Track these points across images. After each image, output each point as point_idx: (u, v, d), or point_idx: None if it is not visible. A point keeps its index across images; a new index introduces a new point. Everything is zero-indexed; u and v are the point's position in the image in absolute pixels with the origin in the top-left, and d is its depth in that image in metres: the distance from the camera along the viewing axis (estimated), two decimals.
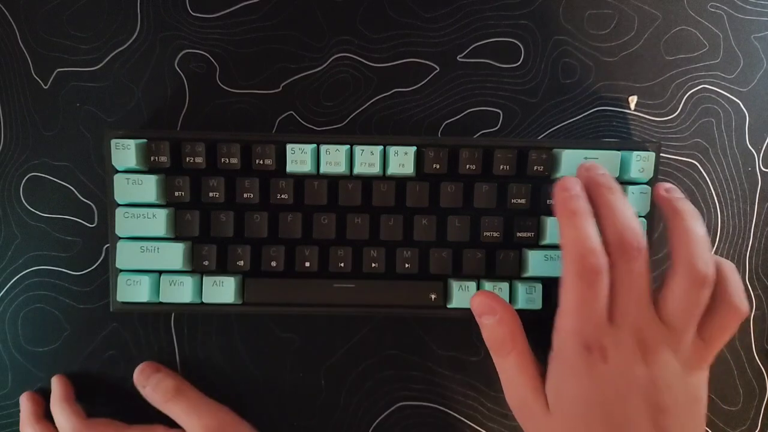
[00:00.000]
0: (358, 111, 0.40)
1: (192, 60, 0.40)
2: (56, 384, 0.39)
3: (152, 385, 0.38)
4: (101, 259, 0.40)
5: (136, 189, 0.36)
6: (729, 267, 0.33)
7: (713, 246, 0.41)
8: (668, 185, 0.34)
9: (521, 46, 0.40)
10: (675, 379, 0.31)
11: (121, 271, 0.37)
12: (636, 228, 0.31)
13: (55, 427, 0.38)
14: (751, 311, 0.41)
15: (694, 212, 0.32)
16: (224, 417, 0.38)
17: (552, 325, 0.33)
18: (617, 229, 0.31)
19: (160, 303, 0.37)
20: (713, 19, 0.40)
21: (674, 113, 0.41)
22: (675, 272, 0.31)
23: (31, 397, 0.39)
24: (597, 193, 0.32)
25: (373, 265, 0.37)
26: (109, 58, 0.39)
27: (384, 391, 0.41)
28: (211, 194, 0.36)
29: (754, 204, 0.41)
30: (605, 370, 0.30)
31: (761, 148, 0.41)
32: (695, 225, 0.31)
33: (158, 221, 0.36)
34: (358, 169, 0.36)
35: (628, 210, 0.32)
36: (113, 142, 0.36)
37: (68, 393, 0.38)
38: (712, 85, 0.41)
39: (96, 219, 0.40)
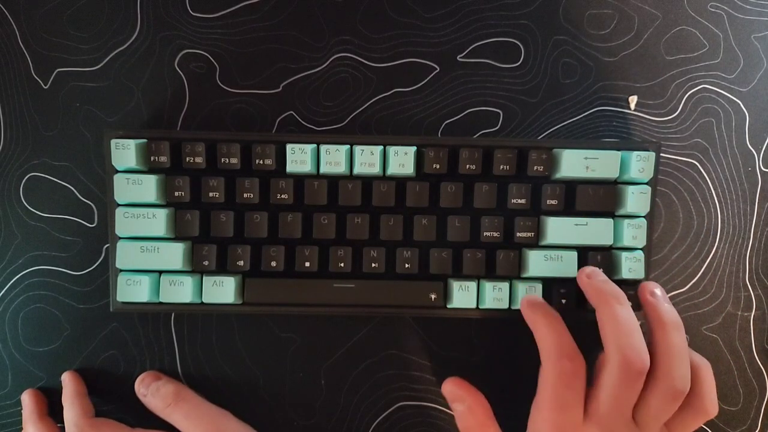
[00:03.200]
0: (358, 111, 0.40)
1: (192, 60, 0.39)
2: (67, 379, 0.39)
3: (152, 391, 0.38)
4: (101, 259, 0.40)
5: (136, 189, 0.36)
6: (705, 369, 0.34)
7: (713, 247, 0.41)
8: (654, 289, 0.34)
9: (521, 46, 0.40)
10: None
11: (121, 271, 0.37)
12: (644, 351, 0.31)
13: (57, 425, 0.38)
14: (752, 311, 0.41)
15: (677, 323, 0.33)
16: (224, 422, 0.38)
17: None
18: (623, 350, 0.31)
19: (160, 303, 0.37)
20: (713, 19, 0.40)
21: (674, 113, 0.41)
22: (655, 385, 0.32)
23: (34, 395, 0.39)
24: (603, 302, 0.33)
25: (373, 265, 0.37)
26: (109, 58, 0.39)
27: (384, 391, 0.41)
28: (211, 194, 0.36)
29: (754, 204, 0.41)
30: None
31: (761, 148, 0.41)
32: (678, 338, 0.32)
33: (158, 221, 0.36)
34: (358, 169, 0.36)
35: (636, 327, 0.32)
36: (113, 142, 0.36)
37: (79, 389, 0.39)
38: (712, 85, 0.41)
39: (96, 219, 0.40)
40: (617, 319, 0.32)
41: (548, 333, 0.33)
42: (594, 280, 0.34)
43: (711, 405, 0.33)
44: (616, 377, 0.31)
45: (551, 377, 0.32)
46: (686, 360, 0.32)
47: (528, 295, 0.36)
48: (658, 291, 0.34)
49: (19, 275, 0.40)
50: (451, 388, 0.36)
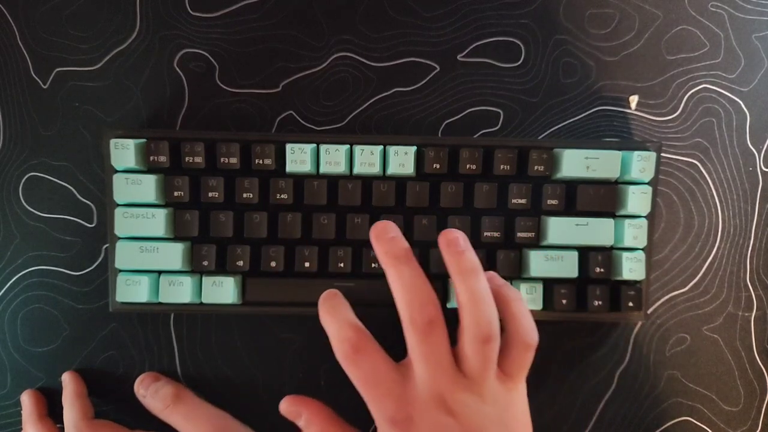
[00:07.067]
0: (358, 111, 0.40)
1: (191, 59, 0.39)
2: (68, 380, 0.39)
3: (151, 392, 0.38)
4: (100, 259, 0.39)
5: (135, 189, 0.36)
6: (515, 303, 0.33)
7: (714, 247, 0.41)
8: (451, 236, 0.33)
9: (522, 46, 0.40)
10: (486, 419, 0.31)
11: (121, 271, 0.37)
12: (426, 303, 0.31)
13: (57, 425, 0.38)
14: (752, 311, 0.41)
15: (471, 269, 0.32)
16: (224, 423, 0.38)
17: None
18: (408, 308, 0.31)
19: (160, 303, 0.37)
20: (714, 18, 0.40)
21: (675, 113, 0.40)
22: (463, 334, 0.31)
23: (33, 395, 0.39)
24: (385, 264, 0.32)
25: (373, 265, 0.37)
26: (108, 57, 0.39)
27: None
28: (210, 194, 0.36)
29: (755, 204, 0.41)
30: None
31: (762, 148, 0.41)
32: (474, 283, 0.31)
33: (157, 221, 0.36)
34: (358, 169, 0.36)
35: (420, 283, 0.31)
36: (112, 141, 0.35)
37: (79, 389, 0.38)
38: (713, 85, 0.40)
39: (95, 219, 0.40)
40: (401, 279, 0.31)
41: (329, 323, 0.33)
42: (381, 241, 0.33)
43: (528, 336, 0.32)
44: (411, 334, 0.31)
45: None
46: (486, 303, 0.31)
47: (327, 292, 0.34)
48: (459, 237, 0.33)
49: (18, 275, 0.39)
50: (286, 407, 0.34)
